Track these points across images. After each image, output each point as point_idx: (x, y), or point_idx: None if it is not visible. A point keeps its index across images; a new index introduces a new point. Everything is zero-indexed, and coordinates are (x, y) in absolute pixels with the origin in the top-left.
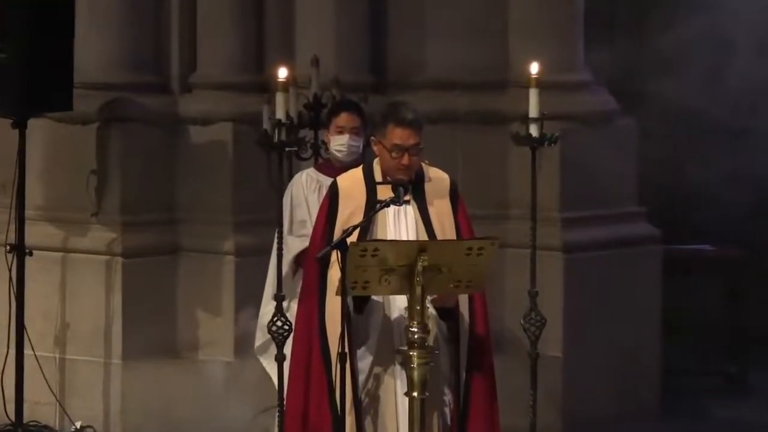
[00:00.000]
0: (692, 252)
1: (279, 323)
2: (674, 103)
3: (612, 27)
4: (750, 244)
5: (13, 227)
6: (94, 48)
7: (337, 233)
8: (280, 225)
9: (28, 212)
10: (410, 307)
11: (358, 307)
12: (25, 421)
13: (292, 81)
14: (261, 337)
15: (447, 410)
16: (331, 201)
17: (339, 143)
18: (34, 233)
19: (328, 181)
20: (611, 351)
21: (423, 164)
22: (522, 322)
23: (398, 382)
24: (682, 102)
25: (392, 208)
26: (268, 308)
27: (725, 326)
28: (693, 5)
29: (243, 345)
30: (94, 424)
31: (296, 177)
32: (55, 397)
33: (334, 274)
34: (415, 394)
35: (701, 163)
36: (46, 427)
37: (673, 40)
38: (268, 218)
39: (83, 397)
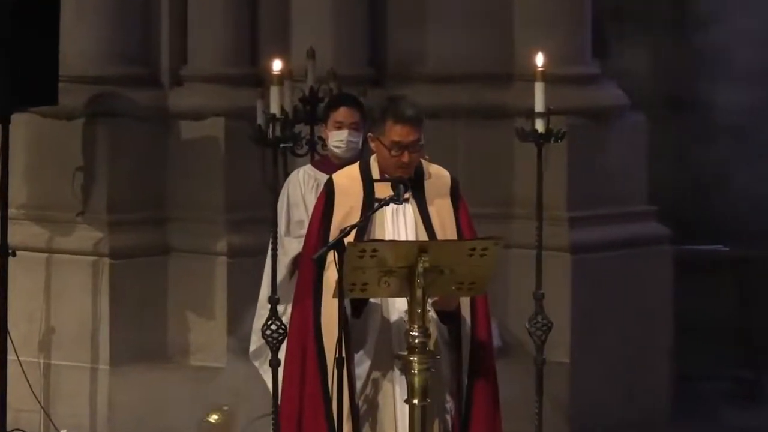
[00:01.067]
0: (705, 253)
1: (274, 327)
2: (717, 105)
3: (650, 25)
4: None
5: None
6: (81, 39)
7: (333, 233)
8: (275, 225)
9: (11, 211)
10: (410, 310)
11: (355, 310)
12: (8, 429)
13: (287, 74)
14: (256, 341)
15: (448, 417)
16: (327, 199)
17: (338, 139)
18: (17, 233)
19: (326, 178)
20: (620, 356)
21: (423, 161)
22: (527, 326)
23: (397, 389)
24: (725, 104)
25: (390, 206)
26: (263, 311)
27: (739, 330)
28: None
29: (238, 349)
30: None
31: (292, 175)
32: (40, 404)
33: (330, 275)
34: (415, 401)
35: (743, 170)
36: None
37: (715, 38)
38: (263, 217)
39: (69, 405)
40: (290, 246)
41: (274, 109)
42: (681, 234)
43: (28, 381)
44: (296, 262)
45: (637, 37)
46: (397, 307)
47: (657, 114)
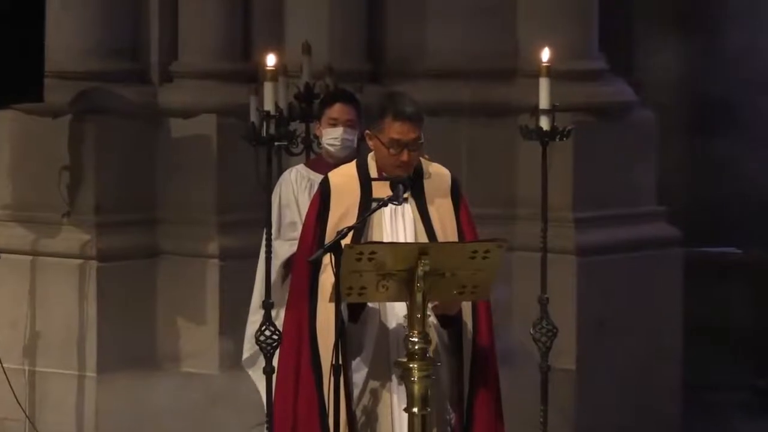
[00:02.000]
0: (717, 255)
1: (267, 333)
2: (747, 110)
3: (676, 25)
4: None
5: None
6: (67, 33)
7: (329, 234)
8: (269, 226)
9: None
10: (410, 316)
11: (353, 315)
12: None
13: (281, 69)
14: (249, 348)
15: (449, 428)
16: (322, 199)
17: (332, 137)
18: (1, 234)
19: (320, 178)
20: (628, 363)
21: (422, 159)
22: (531, 331)
23: (395, 397)
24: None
25: (389, 207)
26: (256, 317)
27: (754, 336)
28: None
29: (231, 355)
30: None
31: (285, 174)
32: (25, 413)
33: (326, 279)
34: (415, 409)
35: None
36: None
37: (743, 39)
38: (256, 218)
39: (55, 413)
40: (281, 249)
41: (268, 106)
42: (697, 237)
43: (12, 388)
44: (287, 265)
45: (665, 37)
46: (396, 312)
47: (683, 116)
